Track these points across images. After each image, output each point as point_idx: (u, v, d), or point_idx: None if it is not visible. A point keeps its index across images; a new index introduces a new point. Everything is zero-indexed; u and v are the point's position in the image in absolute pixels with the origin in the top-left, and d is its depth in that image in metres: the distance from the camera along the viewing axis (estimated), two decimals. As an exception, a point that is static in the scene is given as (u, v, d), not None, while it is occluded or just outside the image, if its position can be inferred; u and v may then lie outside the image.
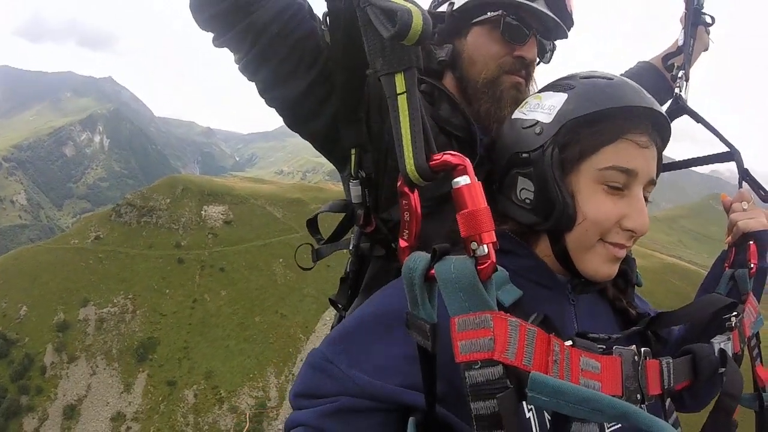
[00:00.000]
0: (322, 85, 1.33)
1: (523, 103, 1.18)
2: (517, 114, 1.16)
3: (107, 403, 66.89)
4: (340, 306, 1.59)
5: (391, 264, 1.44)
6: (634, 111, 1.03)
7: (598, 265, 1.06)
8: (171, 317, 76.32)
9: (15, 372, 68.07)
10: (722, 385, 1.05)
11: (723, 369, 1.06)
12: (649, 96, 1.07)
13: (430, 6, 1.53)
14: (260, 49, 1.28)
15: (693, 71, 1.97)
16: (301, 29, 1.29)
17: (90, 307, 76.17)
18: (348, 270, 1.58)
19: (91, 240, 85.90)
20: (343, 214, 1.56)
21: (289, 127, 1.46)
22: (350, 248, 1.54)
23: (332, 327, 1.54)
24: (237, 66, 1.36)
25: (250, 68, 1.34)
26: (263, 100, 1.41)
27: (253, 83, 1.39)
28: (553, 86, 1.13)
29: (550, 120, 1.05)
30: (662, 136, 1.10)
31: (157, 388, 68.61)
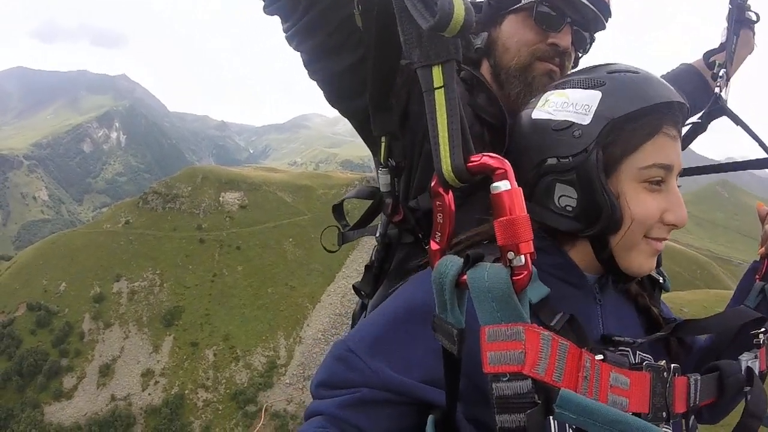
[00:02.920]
0: (365, 68, 1.28)
1: (543, 101, 1.12)
2: (539, 113, 1.10)
3: (138, 361, 76.75)
4: (363, 293, 1.61)
5: (418, 250, 1.44)
6: (669, 106, 1.01)
7: (643, 261, 1.05)
8: (194, 289, 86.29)
9: (56, 338, 77.79)
10: (746, 405, 1.04)
11: (748, 388, 1.05)
12: (674, 89, 1.05)
13: None
14: (311, 18, 1.25)
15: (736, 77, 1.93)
16: (349, 8, 1.25)
17: (122, 281, 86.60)
18: (373, 258, 1.58)
19: (121, 224, 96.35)
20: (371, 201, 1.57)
21: (329, 101, 1.43)
22: (377, 236, 1.54)
23: (353, 314, 1.71)
24: (285, 34, 1.33)
25: (297, 37, 1.31)
26: (306, 71, 1.38)
27: (298, 53, 1.36)
28: (576, 81, 1.08)
29: (589, 121, 1.00)
30: (682, 126, 1.08)
31: (182, 348, 78.46)
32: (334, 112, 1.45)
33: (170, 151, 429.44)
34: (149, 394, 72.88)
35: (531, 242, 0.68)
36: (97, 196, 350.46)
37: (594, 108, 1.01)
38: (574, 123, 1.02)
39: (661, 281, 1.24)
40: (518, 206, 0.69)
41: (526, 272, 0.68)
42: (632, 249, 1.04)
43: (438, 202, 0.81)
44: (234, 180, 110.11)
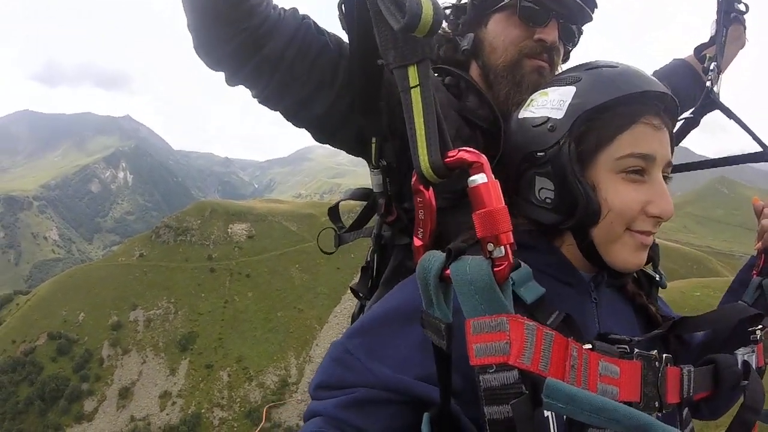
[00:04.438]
0: (346, 95, 1.29)
1: (529, 101, 1.16)
2: (524, 113, 1.14)
3: (156, 384, 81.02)
4: (361, 295, 1.60)
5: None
6: (644, 96, 1.02)
7: (627, 255, 1.04)
8: (207, 315, 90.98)
9: (76, 364, 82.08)
10: (744, 398, 1.02)
11: (745, 382, 1.03)
12: (655, 80, 1.06)
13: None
14: (279, 78, 1.24)
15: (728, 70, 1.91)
16: (314, 48, 1.26)
17: (139, 310, 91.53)
18: (369, 259, 1.57)
19: (135, 257, 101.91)
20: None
21: (318, 141, 1.44)
22: (372, 237, 1.53)
23: (352, 315, 1.69)
24: (257, 100, 1.32)
25: (272, 99, 1.30)
26: (291, 123, 1.37)
27: (277, 111, 1.35)
28: (558, 80, 1.12)
29: (562, 115, 1.03)
30: (673, 118, 1.09)
31: (197, 371, 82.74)
32: None
33: (177, 189, 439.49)
34: (167, 414, 77.18)
35: (510, 233, 0.69)
36: (107, 235, 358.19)
37: (568, 102, 1.04)
38: (549, 118, 1.05)
39: (657, 279, 1.24)
40: (495, 198, 0.70)
41: (506, 263, 0.68)
42: (615, 242, 1.04)
43: (419, 199, 0.83)
44: (241, 212, 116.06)
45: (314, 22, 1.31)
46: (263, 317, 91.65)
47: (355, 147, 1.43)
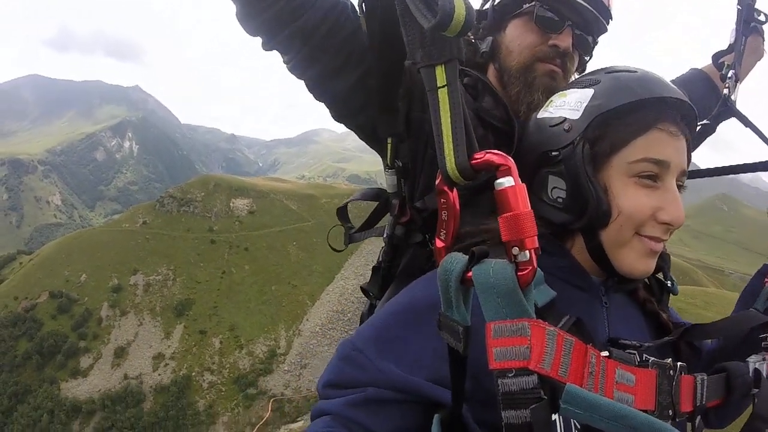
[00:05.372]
0: (369, 81, 1.33)
1: (548, 102, 1.18)
2: (542, 113, 1.16)
3: (150, 346, 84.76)
4: (371, 295, 1.60)
5: (427, 251, 1.44)
6: (661, 102, 1.02)
7: (635, 260, 1.04)
8: (204, 284, 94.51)
9: (75, 323, 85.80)
10: (754, 407, 1.02)
11: (756, 390, 1.03)
12: (675, 87, 1.05)
13: (480, 5, 1.59)
14: (309, 49, 1.30)
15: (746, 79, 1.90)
16: (347, 28, 1.30)
17: (139, 275, 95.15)
18: (381, 259, 1.58)
19: (139, 224, 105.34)
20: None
21: (336, 119, 1.47)
22: (384, 237, 1.54)
23: (361, 315, 1.69)
24: (287, 66, 1.37)
25: (299, 68, 1.36)
26: (313, 95, 1.42)
27: (303, 80, 1.39)
28: (578, 83, 1.13)
29: (579, 116, 1.04)
30: (690, 127, 1.08)
31: (191, 336, 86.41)
32: (342, 128, 1.52)
33: (181, 162, 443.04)
34: (159, 374, 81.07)
35: (536, 238, 0.69)
36: (109, 203, 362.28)
37: (585, 104, 1.04)
38: (566, 118, 1.06)
39: (669, 285, 1.23)
40: (522, 202, 0.70)
41: (531, 267, 0.68)
42: (624, 246, 1.04)
43: (443, 200, 0.82)
44: (244, 188, 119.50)
45: (352, 3, 1.37)
46: (258, 290, 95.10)
47: (371, 137, 1.48)
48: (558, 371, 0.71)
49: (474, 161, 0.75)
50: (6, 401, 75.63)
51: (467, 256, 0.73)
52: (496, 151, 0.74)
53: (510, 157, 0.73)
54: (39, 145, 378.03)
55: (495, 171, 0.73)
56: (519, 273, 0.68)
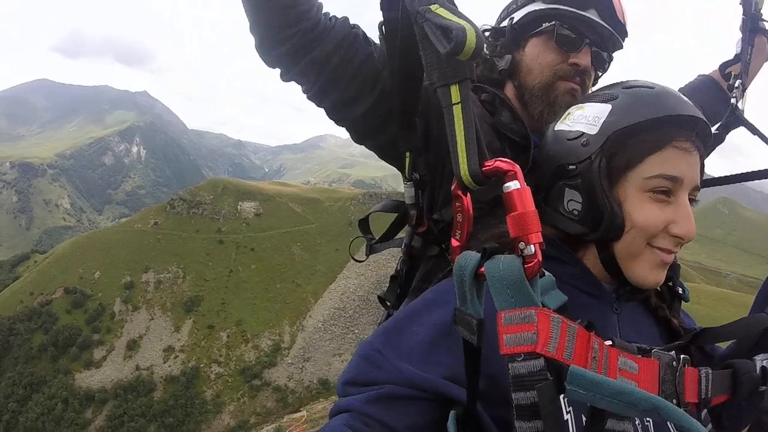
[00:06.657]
0: (384, 102, 1.38)
1: (566, 114, 1.20)
2: (560, 126, 1.18)
3: (161, 339, 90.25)
4: (388, 304, 1.65)
5: (444, 263, 1.48)
6: (677, 119, 1.04)
7: (647, 271, 1.07)
8: (212, 282, 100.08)
9: (89, 317, 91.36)
10: (763, 402, 1.04)
11: (764, 387, 1.05)
12: (691, 104, 1.07)
13: (496, 21, 1.63)
14: (325, 79, 1.36)
15: (753, 85, 1.96)
16: (359, 56, 1.36)
17: (150, 273, 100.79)
18: (399, 268, 1.63)
19: (150, 225, 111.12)
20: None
21: (356, 141, 1.53)
22: (402, 247, 1.57)
23: (379, 323, 1.69)
24: (306, 96, 1.43)
25: (317, 97, 1.41)
26: (333, 121, 1.49)
27: (322, 108, 1.45)
28: (596, 96, 1.15)
29: (596, 131, 1.06)
30: (705, 143, 1.10)
31: (200, 330, 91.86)
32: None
33: (188, 167, 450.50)
34: (169, 366, 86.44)
35: (540, 234, 0.75)
36: (117, 207, 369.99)
37: (603, 119, 1.07)
38: (584, 133, 1.09)
39: (680, 292, 1.25)
40: (527, 202, 0.77)
41: (536, 260, 0.74)
42: (636, 257, 1.07)
43: (458, 204, 0.89)
44: (251, 191, 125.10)
45: (363, 32, 1.42)
46: (263, 287, 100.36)
47: (390, 154, 1.51)
48: (563, 354, 0.76)
49: (485, 168, 0.82)
50: (21, 390, 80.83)
51: (480, 254, 0.78)
52: (504, 159, 0.81)
53: (516, 164, 0.80)
54: (48, 149, 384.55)
55: (503, 176, 0.80)
56: (526, 265, 0.74)
